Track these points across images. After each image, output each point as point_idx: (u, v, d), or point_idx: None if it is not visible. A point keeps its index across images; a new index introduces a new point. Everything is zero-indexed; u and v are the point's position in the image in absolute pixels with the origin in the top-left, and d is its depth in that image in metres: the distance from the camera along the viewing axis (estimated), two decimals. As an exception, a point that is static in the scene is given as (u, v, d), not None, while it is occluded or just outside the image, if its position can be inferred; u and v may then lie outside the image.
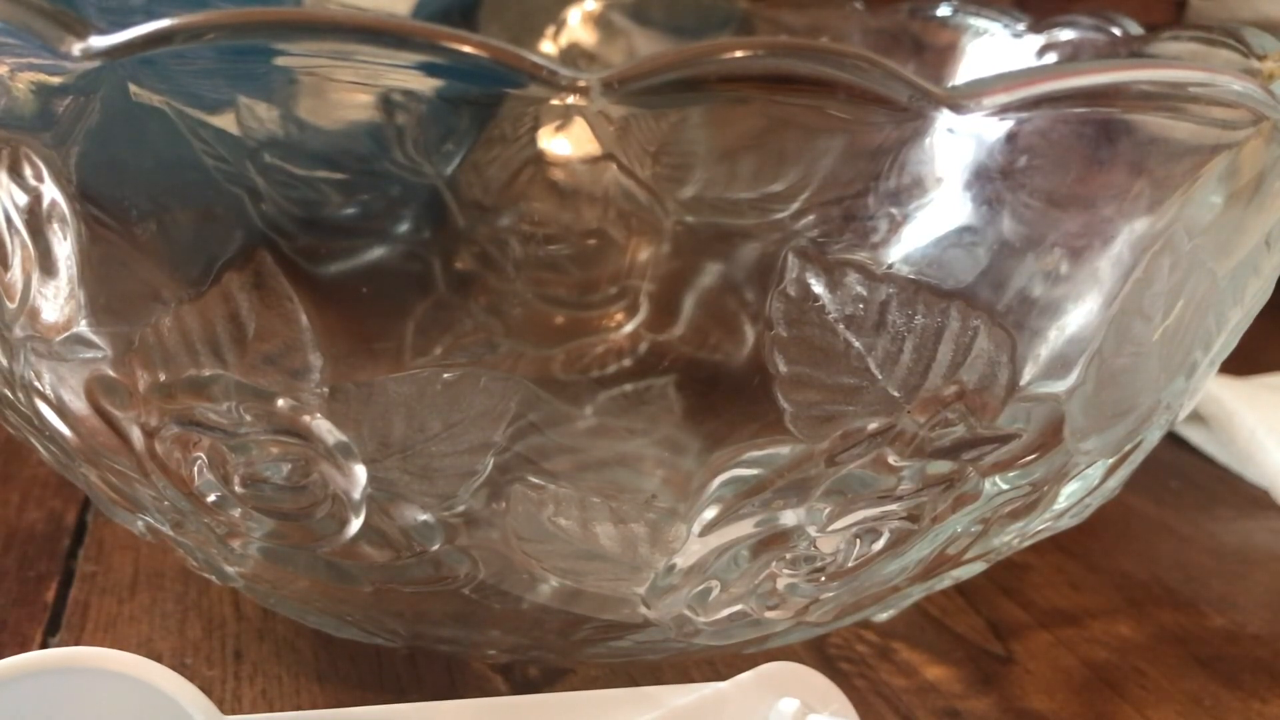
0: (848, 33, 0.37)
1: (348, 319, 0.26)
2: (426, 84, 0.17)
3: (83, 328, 0.19)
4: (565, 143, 0.30)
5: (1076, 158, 0.18)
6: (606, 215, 0.30)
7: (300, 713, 0.20)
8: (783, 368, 0.19)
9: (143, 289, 0.19)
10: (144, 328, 0.19)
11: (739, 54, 0.15)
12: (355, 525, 0.20)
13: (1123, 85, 0.17)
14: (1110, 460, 0.22)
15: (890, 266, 0.19)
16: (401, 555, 0.20)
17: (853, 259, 0.18)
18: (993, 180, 0.18)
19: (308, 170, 0.27)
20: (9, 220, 0.19)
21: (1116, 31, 0.31)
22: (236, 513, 0.20)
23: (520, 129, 0.30)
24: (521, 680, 0.25)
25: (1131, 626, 0.29)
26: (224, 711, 0.18)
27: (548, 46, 0.38)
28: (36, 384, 0.20)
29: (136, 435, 0.20)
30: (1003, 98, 0.16)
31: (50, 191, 0.18)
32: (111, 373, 0.19)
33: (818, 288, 0.18)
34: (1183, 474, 0.38)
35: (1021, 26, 0.34)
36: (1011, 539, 0.23)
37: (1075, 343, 0.19)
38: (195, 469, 0.20)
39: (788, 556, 0.20)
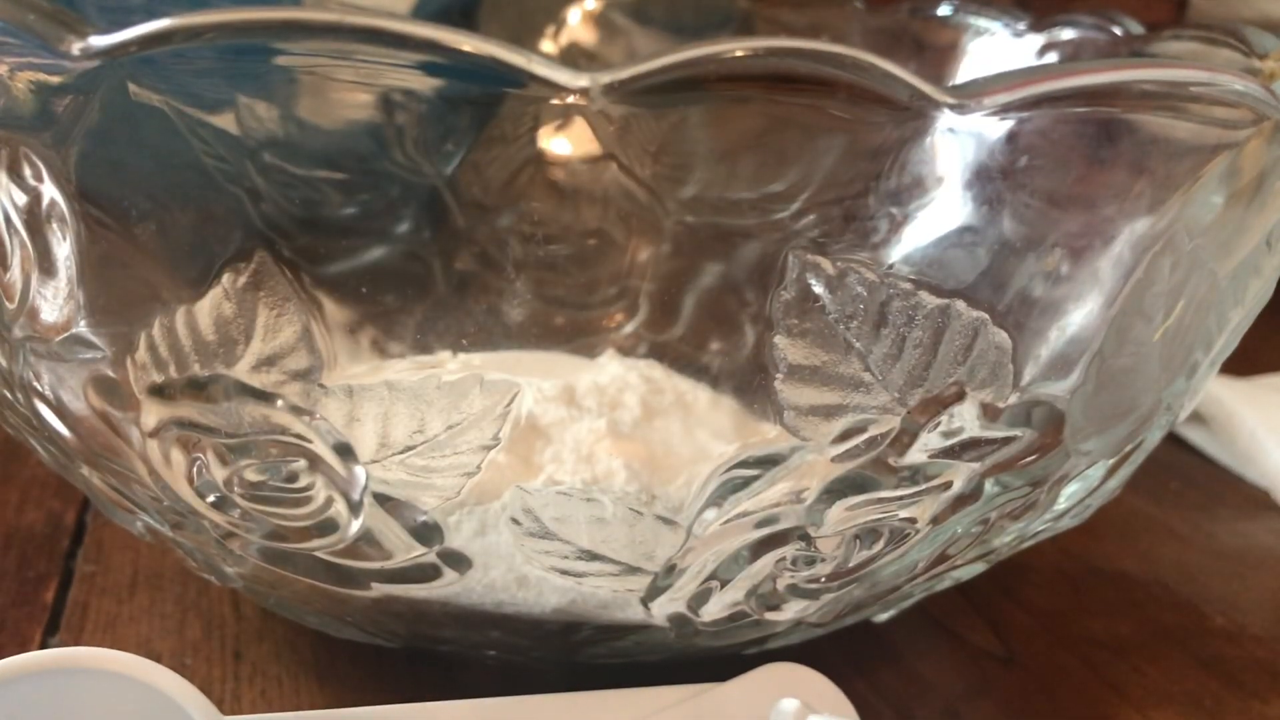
0: (848, 33, 0.37)
1: (348, 319, 0.26)
2: (426, 84, 0.17)
3: (82, 328, 0.19)
4: (565, 143, 0.30)
5: (1077, 157, 0.18)
6: (606, 215, 0.30)
7: (300, 713, 0.20)
8: (783, 368, 0.19)
9: (143, 289, 0.19)
10: (144, 328, 0.19)
11: (739, 54, 0.15)
12: (355, 525, 0.20)
13: (1123, 85, 0.17)
14: (1110, 461, 0.22)
15: (890, 266, 0.19)
16: (401, 555, 0.20)
17: (853, 259, 0.18)
18: (993, 180, 0.18)
19: (308, 170, 0.27)
20: (9, 220, 0.19)
21: (1117, 31, 0.31)
22: (236, 513, 0.20)
23: (520, 129, 0.30)
24: (521, 680, 0.25)
25: (1131, 626, 0.29)
26: (224, 711, 0.18)
27: (548, 46, 0.38)
28: (36, 384, 0.20)
29: (136, 435, 0.20)
30: (1003, 98, 0.16)
31: (50, 191, 0.18)
32: (111, 373, 0.19)
33: (818, 288, 0.18)
34: (1183, 474, 0.38)
35: (1022, 26, 0.34)
36: (1012, 539, 0.23)
37: (1076, 343, 0.19)
38: (195, 469, 0.20)
39: (788, 556, 0.20)
